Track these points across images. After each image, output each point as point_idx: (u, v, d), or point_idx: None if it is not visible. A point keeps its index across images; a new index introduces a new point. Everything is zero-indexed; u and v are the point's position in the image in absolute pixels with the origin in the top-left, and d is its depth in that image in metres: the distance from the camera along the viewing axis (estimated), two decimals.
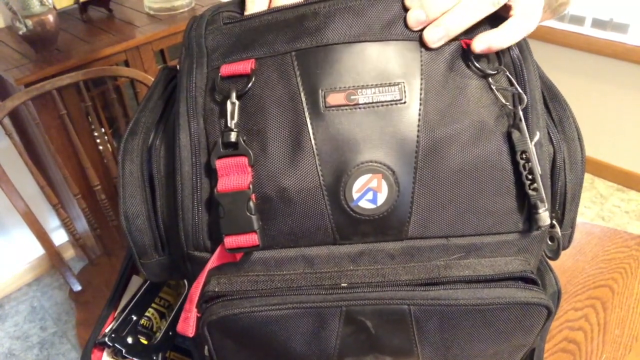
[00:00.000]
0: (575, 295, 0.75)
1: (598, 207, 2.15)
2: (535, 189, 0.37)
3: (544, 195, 0.37)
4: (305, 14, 0.39)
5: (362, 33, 0.38)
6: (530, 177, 0.37)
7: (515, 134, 0.37)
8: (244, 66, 0.38)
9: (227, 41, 0.40)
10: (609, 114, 2.17)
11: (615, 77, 2.09)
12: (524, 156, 0.37)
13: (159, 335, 0.55)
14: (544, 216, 0.37)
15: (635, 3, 2.00)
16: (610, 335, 0.69)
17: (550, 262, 0.46)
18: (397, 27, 0.38)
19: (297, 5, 0.39)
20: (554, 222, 0.42)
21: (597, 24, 2.08)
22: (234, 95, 0.38)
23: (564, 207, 0.42)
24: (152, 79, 1.06)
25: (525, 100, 0.38)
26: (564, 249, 0.44)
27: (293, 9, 0.39)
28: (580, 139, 0.41)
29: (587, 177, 2.32)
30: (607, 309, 0.73)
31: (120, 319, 0.54)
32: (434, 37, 0.37)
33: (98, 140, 1.58)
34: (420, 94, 0.37)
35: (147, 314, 0.56)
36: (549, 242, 0.42)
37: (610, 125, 2.19)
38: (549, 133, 0.40)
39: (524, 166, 0.37)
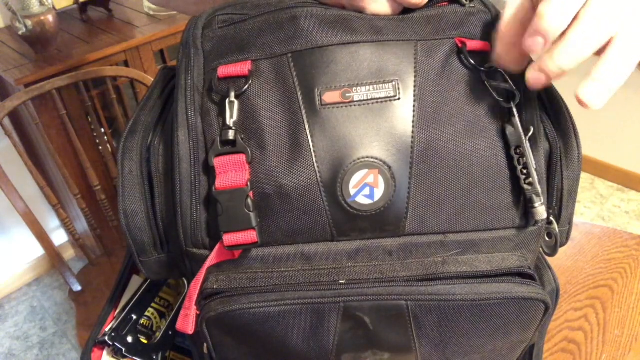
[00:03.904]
0: (575, 295, 0.75)
1: (598, 207, 2.15)
2: (530, 183, 0.37)
3: (539, 189, 0.37)
4: (297, 15, 0.39)
5: (356, 36, 0.38)
6: (525, 171, 0.38)
7: (509, 130, 0.38)
8: (242, 68, 0.39)
9: (223, 43, 0.40)
10: (609, 114, 2.17)
11: None
12: (518, 151, 0.37)
13: (158, 335, 0.56)
14: (541, 210, 0.38)
15: None
16: (610, 335, 0.69)
17: (550, 262, 0.46)
18: (390, 29, 0.39)
19: (289, 7, 0.40)
20: (552, 218, 0.42)
21: None
22: (232, 94, 0.38)
23: (561, 203, 0.42)
24: (152, 79, 1.06)
25: (518, 96, 0.38)
26: (562, 245, 0.44)
27: (285, 10, 0.40)
28: (576, 134, 0.42)
29: (587, 177, 2.32)
30: (607, 309, 0.72)
31: (120, 318, 0.54)
32: (536, 82, 0.34)
33: (98, 141, 1.58)
34: (415, 91, 0.38)
35: (147, 313, 0.56)
36: (547, 239, 0.42)
37: (610, 125, 2.19)
38: (545, 129, 0.41)
39: (518, 161, 0.38)
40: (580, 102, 0.33)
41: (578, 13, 0.32)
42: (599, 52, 0.34)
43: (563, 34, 0.33)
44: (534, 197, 0.38)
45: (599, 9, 0.32)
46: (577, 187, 0.43)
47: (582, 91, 0.33)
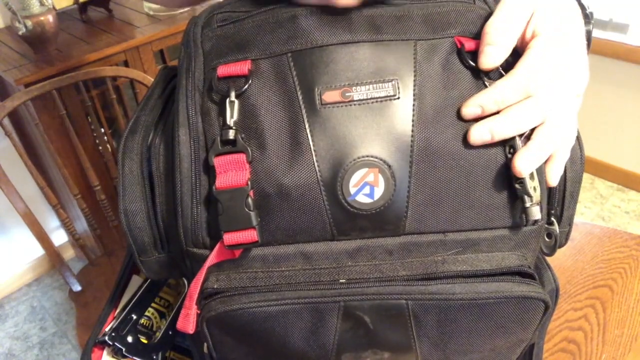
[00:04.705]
0: (575, 295, 0.75)
1: (598, 208, 2.15)
2: (521, 183, 0.37)
3: (529, 189, 0.37)
4: (297, 14, 0.39)
5: (355, 35, 0.38)
6: None
7: None
8: (241, 67, 0.39)
9: (222, 43, 0.40)
10: (609, 114, 2.17)
11: (615, 77, 2.09)
12: (511, 151, 0.37)
13: (158, 335, 0.55)
14: (534, 210, 0.38)
15: (635, 3, 2.00)
16: (610, 335, 0.69)
17: (550, 263, 0.46)
18: (390, 28, 0.39)
19: (288, 6, 0.40)
20: (553, 219, 0.42)
21: (597, 24, 2.09)
22: (233, 94, 0.38)
23: (563, 204, 0.42)
24: (152, 79, 1.06)
25: None
26: (561, 246, 0.44)
27: (284, 9, 0.40)
28: (578, 136, 0.42)
29: (587, 177, 2.32)
30: (607, 309, 0.72)
31: (121, 318, 0.54)
32: (477, 138, 0.37)
33: (98, 141, 1.58)
34: (414, 90, 0.38)
35: (147, 313, 0.56)
36: (546, 239, 0.42)
37: (611, 125, 2.19)
38: None
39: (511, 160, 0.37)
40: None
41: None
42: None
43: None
44: (525, 197, 0.37)
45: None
46: (579, 189, 0.43)
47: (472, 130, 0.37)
